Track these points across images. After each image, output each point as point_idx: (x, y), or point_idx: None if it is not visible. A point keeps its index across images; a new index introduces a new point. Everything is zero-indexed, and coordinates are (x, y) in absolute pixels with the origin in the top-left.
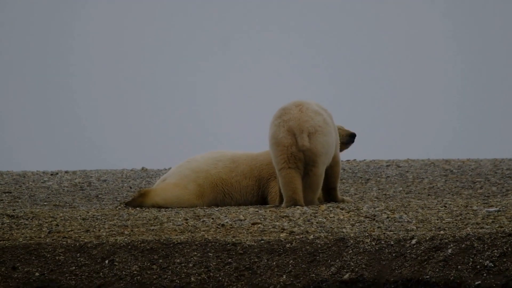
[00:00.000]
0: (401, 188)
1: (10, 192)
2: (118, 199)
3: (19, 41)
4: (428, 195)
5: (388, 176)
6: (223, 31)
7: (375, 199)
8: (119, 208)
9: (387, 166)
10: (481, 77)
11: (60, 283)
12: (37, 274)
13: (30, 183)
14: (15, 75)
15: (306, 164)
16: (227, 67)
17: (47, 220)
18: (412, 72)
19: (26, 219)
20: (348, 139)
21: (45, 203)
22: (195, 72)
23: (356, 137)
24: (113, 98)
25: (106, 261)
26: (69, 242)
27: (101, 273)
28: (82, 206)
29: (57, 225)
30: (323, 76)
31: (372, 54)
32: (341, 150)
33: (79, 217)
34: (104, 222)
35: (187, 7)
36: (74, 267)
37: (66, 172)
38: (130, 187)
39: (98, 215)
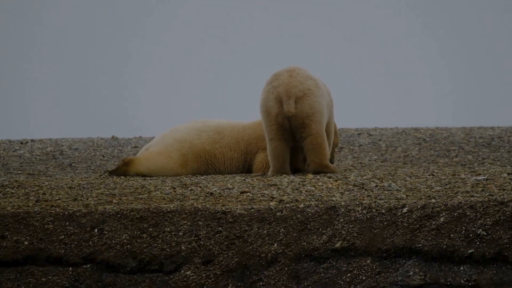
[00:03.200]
0: (376, 157)
1: None
2: (92, 168)
3: None
4: (404, 163)
5: (361, 145)
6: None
7: (351, 167)
8: (103, 177)
9: (358, 134)
10: (449, 45)
11: (50, 252)
12: (26, 243)
13: (1, 151)
14: None
15: (296, 130)
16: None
17: (33, 189)
18: (381, 38)
19: (12, 188)
20: None
21: (19, 172)
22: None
23: None
24: (82, 64)
25: (96, 230)
26: (57, 210)
27: (91, 242)
28: (57, 174)
29: (44, 193)
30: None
31: (345, 18)
32: None
33: (65, 185)
34: (91, 190)
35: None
36: (63, 236)
37: (32, 140)
38: (103, 156)
39: (84, 184)
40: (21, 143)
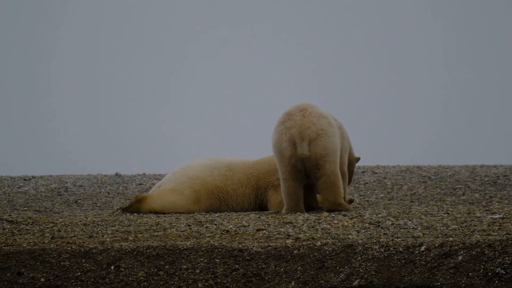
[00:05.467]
0: (382, 195)
1: None
2: (98, 205)
3: None
4: (411, 201)
5: (367, 183)
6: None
7: (359, 206)
8: (116, 214)
9: (362, 172)
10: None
11: None
12: (42, 279)
13: (6, 188)
14: None
15: (310, 170)
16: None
17: (48, 226)
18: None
19: (26, 225)
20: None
21: (25, 208)
22: (169, 76)
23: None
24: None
25: (112, 267)
26: (73, 247)
27: (107, 279)
28: (64, 211)
29: (59, 230)
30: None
31: (354, 55)
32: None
33: (80, 222)
34: (106, 227)
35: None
36: (79, 273)
37: (34, 177)
38: (108, 192)
39: (98, 221)
40: (24, 179)
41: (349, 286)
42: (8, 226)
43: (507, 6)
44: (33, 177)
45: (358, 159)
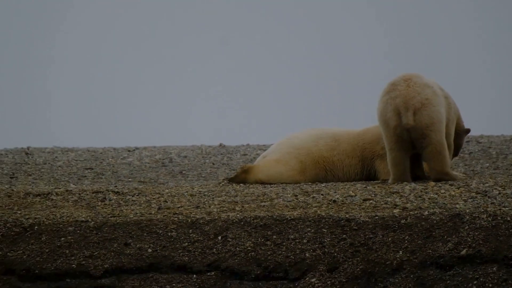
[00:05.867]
0: (487, 164)
1: (92, 169)
2: (203, 175)
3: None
4: None
5: (471, 152)
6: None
7: (464, 175)
8: (223, 184)
9: (466, 142)
10: None
11: (173, 259)
12: (149, 250)
13: (110, 159)
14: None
15: (416, 140)
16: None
17: (154, 197)
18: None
19: (132, 196)
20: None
21: (129, 180)
22: None
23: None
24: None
25: (219, 237)
26: (180, 218)
27: (215, 249)
28: (168, 182)
29: (165, 201)
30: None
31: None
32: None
33: (186, 193)
34: (213, 198)
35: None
36: (186, 243)
37: (137, 148)
38: (213, 163)
39: (205, 191)
40: (128, 150)
41: (456, 255)
42: (114, 197)
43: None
44: (137, 148)
45: (467, 131)
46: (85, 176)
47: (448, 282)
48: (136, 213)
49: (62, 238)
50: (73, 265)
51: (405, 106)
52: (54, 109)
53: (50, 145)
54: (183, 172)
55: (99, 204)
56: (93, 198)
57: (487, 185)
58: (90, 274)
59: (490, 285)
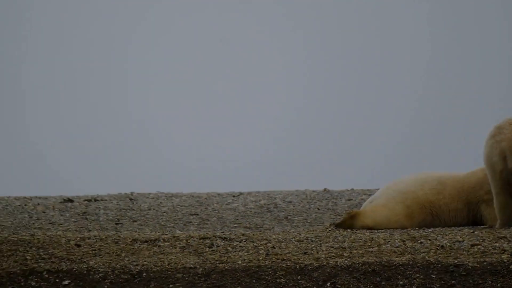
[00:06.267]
0: None
1: (198, 214)
2: (308, 221)
3: None
4: None
5: None
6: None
7: None
8: (329, 230)
9: None
10: None
11: None
12: None
13: (215, 204)
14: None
15: None
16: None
17: (261, 242)
18: None
19: (240, 241)
20: None
21: (235, 225)
22: None
23: None
24: None
25: (328, 284)
26: (288, 264)
27: None
28: (274, 227)
29: (273, 247)
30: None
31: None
32: None
33: (293, 239)
34: (320, 244)
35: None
36: None
37: (241, 193)
38: (318, 208)
39: (311, 237)
40: (233, 196)
41: None
42: (222, 243)
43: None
44: (241, 193)
45: None
46: (191, 222)
47: None
48: (244, 259)
49: (171, 285)
50: None
51: (510, 150)
52: (157, 154)
53: (153, 190)
54: (289, 217)
55: (207, 250)
56: (200, 244)
57: None
58: None
59: None
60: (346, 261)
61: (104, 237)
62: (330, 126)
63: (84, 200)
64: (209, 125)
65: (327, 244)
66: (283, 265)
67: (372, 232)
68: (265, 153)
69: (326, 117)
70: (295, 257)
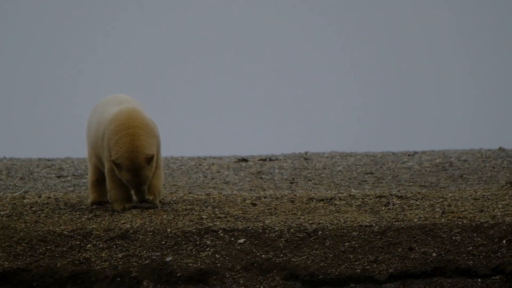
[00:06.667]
0: None
1: (373, 173)
2: (483, 179)
3: None
4: None
5: None
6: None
7: None
8: (505, 188)
9: None
10: None
11: (458, 263)
12: (434, 254)
13: (390, 163)
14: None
15: None
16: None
17: (437, 201)
18: None
19: (416, 200)
20: None
21: (410, 184)
22: None
23: None
24: None
25: (504, 241)
26: (464, 222)
27: (499, 253)
28: (449, 186)
29: (449, 205)
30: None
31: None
32: None
33: (469, 197)
34: (496, 201)
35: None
36: (471, 247)
37: (416, 152)
38: (493, 167)
39: (488, 195)
40: (408, 155)
41: None
42: (398, 202)
43: None
44: (416, 152)
45: None
46: (365, 181)
47: None
48: (420, 217)
49: (346, 243)
50: (357, 270)
51: None
52: (328, 115)
53: (327, 150)
54: (464, 176)
55: (383, 208)
56: (376, 202)
57: None
58: (374, 279)
59: None
60: None
61: (280, 196)
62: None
63: (258, 160)
64: None
65: (503, 202)
66: (459, 222)
67: None
68: (440, 112)
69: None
70: (471, 215)
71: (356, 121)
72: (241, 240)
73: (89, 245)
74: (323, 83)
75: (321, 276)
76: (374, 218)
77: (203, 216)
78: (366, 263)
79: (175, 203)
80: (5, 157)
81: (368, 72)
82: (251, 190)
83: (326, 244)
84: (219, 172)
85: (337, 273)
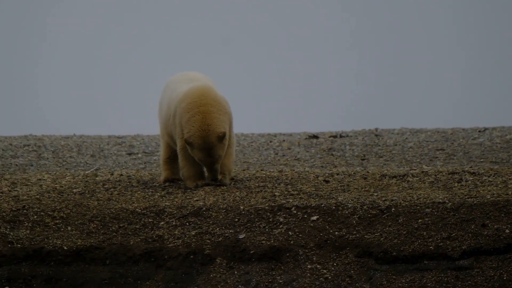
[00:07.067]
0: None
1: (444, 149)
2: None
3: None
4: None
5: None
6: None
7: None
8: None
9: None
10: None
11: None
12: (507, 231)
13: (461, 140)
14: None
15: None
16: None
17: (510, 177)
18: None
19: (489, 176)
20: None
21: (481, 160)
22: None
23: None
24: None
25: None
26: None
27: None
28: None
29: None
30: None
31: None
32: None
33: None
34: None
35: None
36: None
37: (486, 128)
38: None
39: None
40: (478, 131)
41: None
42: (471, 178)
43: None
44: (486, 128)
45: None
46: (437, 157)
47: None
48: (493, 194)
49: (420, 220)
50: (431, 247)
51: None
52: (399, 91)
53: (397, 126)
54: None
55: (456, 185)
56: (449, 179)
57: None
58: (447, 256)
59: None
60: None
61: (352, 172)
62: None
63: (329, 137)
64: None
65: None
66: None
67: None
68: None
69: None
70: None
71: (424, 96)
72: (314, 217)
73: (162, 223)
74: (392, 58)
75: (394, 253)
76: (447, 195)
77: (275, 193)
78: (439, 240)
79: (247, 180)
80: (75, 134)
81: (440, 47)
82: (322, 167)
83: (399, 221)
84: (289, 149)
85: (410, 250)
